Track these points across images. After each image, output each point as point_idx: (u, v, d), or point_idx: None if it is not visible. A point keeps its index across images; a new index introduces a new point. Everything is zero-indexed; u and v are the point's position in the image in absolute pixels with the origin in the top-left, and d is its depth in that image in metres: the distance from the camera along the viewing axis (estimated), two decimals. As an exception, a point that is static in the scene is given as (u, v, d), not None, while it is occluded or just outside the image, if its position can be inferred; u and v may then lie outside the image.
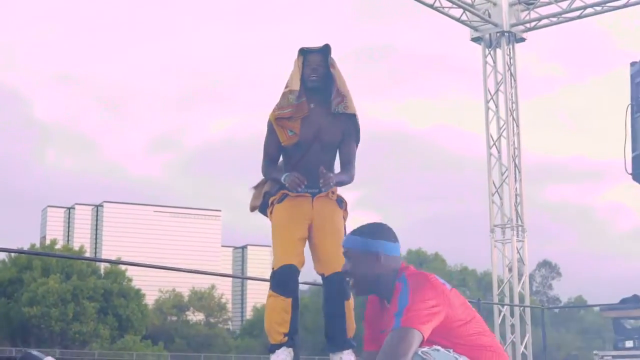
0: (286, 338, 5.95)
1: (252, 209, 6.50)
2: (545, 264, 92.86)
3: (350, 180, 6.23)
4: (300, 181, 5.95)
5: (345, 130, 6.23)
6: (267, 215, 6.34)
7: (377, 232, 4.32)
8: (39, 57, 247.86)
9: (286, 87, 6.21)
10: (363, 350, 4.49)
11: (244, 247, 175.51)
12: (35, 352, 4.58)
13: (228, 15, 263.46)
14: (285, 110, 6.14)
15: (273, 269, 6.04)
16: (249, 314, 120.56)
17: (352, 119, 6.24)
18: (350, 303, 6.08)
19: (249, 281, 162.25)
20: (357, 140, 6.34)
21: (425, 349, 3.85)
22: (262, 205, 6.40)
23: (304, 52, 6.23)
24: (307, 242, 6.17)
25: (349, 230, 6.17)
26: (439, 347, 3.90)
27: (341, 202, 6.25)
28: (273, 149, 6.26)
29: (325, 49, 6.20)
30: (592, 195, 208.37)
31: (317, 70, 6.18)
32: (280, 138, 6.18)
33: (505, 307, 19.52)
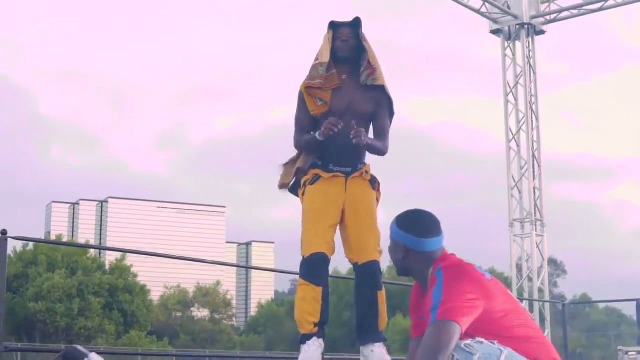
0: (317, 328, 5.77)
1: (281, 187, 6.24)
2: (550, 262, 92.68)
3: (384, 150, 6.01)
4: (337, 122, 5.71)
5: (378, 103, 6.05)
6: (297, 195, 6.13)
7: (408, 223, 4.23)
8: (44, 54, 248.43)
9: (316, 60, 6.03)
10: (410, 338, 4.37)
11: (248, 244, 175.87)
12: (80, 347, 4.39)
13: (232, 12, 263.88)
14: (315, 81, 5.97)
15: (303, 256, 5.85)
16: (253, 310, 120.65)
17: (383, 91, 6.05)
18: (383, 294, 5.90)
19: (253, 278, 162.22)
20: (391, 114, 6.16)
21: (468, 341, 3.72)
22: (294, 184, 6.18)
23: (334, 26, 6.09)
24: (338, 227, 5.97)
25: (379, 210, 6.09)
26: (482, 340, 3.76)
27: (374, 183, 6.05)
28: (304, 119, 6.08)
29: (356, 22, 6.05)
30: (598, 193, 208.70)
31: (347, 42, 6.02)
32: (310, 107, 6.01)
33: (525, 301, 19.33)
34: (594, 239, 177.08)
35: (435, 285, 3.90)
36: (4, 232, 6.84)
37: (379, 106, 6.05)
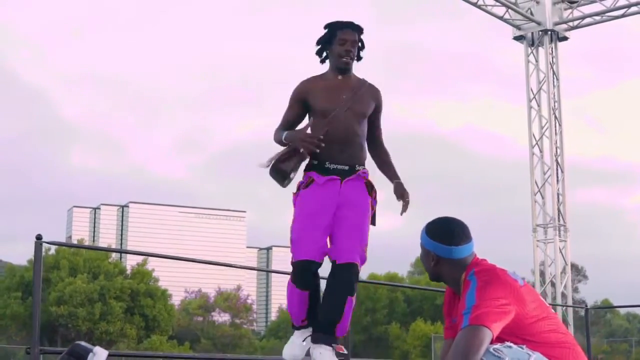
0: (306, 322, 5.87)
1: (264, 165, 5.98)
2: (571, 267, 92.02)
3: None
4: (312, 139, 5.68)
5: (377, 98, 5.99)
6: (281, 185, 5.95)
7: (437, 231, 4.26)
8: (66, 58, 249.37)
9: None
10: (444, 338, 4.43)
11: (268, 248, 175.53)
12: (83, 343, 4.58)
13: (257, 17, 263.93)
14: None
15: (292, 259, 5.83)
16: (274, 315, 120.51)
17: (378, 94, 6.01)
18: (353, 300, 5.76)
19: (274, 283, 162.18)
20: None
21: (497, 345, 3.76)
22: (279, 174, 5.91)
23: (333, 27, 5.95)
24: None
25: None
26: (511, 344, 3.80)
27: (370, 188, 5.88)
28: (290, 118, 6.04)
29: (359, 27, 5.97)
30: (621, 198, 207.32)
31: (350, 51, 5.91)
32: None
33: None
34: (616, 244, 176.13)
35: (468, 290, 3.95)
36: (39, 237, 6.86)
37: (377, 104, 6.00)
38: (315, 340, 5.76)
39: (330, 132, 5.77)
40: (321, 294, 5.89)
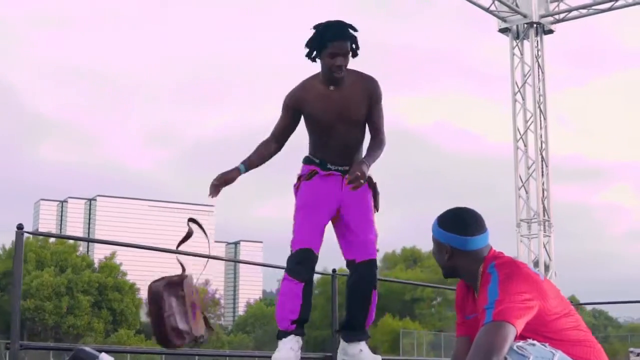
0: (294, 326, 5.71)
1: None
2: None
3: (381, 150, 5.79)
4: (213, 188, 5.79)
5: (372, 95, 5.75)
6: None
7: (451, 222, 4.06)
8: (36, 51, 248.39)
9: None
10: (456, 336, 4.29)
11: (236, 243, 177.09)
12: (87, 349, 4.30)
13: (228, 12, 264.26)
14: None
15: (291, 251, 5.77)
16: (241, 309, 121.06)
17: (374, 82, 5.78)
18: (376, 293, 5.86)
19: (241, 277, 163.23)
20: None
21: (520, 343, 3.60)
22: None
23: (324, 36, 5.62)
24: (331, 225, 5.89)
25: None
26: (534, 342, 3.64)
27: (370, 181, 5.85)
28: (277, 127, 5.95)
29: (352, 36, 5.67)
30: (590, 195, 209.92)
31: (341, 66, 5.62)
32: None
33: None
34: (583, 240, 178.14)
35: (490, 283, 3.76)
36: (21, 227, 6.56)
37: (373, 99, 5.78)
38: (351, 338, 5.84)
39: (329, 144, 5.78)
40: (313, 291, 5.84)
